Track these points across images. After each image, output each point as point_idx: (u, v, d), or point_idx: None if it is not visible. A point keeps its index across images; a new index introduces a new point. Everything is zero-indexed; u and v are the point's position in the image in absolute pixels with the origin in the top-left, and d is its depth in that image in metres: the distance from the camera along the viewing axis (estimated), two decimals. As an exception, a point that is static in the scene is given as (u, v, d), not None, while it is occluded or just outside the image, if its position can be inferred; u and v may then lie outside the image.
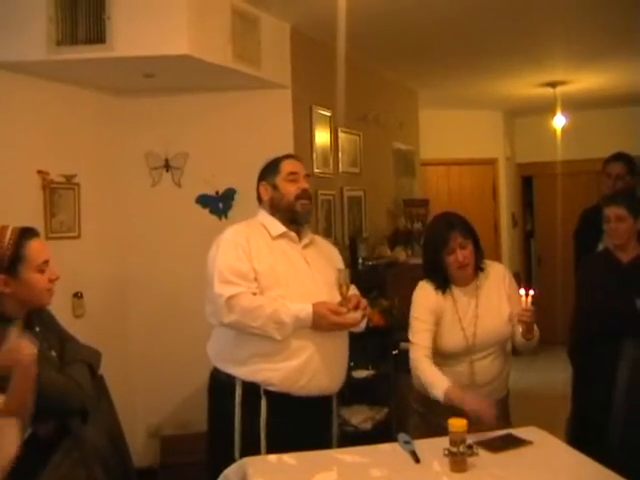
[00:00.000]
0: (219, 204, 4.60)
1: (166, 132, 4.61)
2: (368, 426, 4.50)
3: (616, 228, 3.58)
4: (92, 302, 4.31)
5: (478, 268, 3.09)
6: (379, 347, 4.68)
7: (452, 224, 3.05)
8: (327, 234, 5.05)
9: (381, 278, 4.99)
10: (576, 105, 7.48)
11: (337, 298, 2.90)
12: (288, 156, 3.15)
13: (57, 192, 4.10)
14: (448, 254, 3.00)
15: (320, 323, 2.83)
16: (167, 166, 4.62)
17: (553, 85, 6.79)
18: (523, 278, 9.11)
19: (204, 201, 4.64)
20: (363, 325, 3.01)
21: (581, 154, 8.01)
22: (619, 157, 4.45)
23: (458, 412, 2.74)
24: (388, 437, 2.91)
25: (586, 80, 6.71)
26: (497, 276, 3.15)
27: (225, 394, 2.91)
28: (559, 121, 7.48)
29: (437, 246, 3.04)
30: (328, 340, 2.90)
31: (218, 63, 3.93)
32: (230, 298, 2.78)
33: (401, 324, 3.70)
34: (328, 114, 5.12)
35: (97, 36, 3.57)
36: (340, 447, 2.92)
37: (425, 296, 3.08)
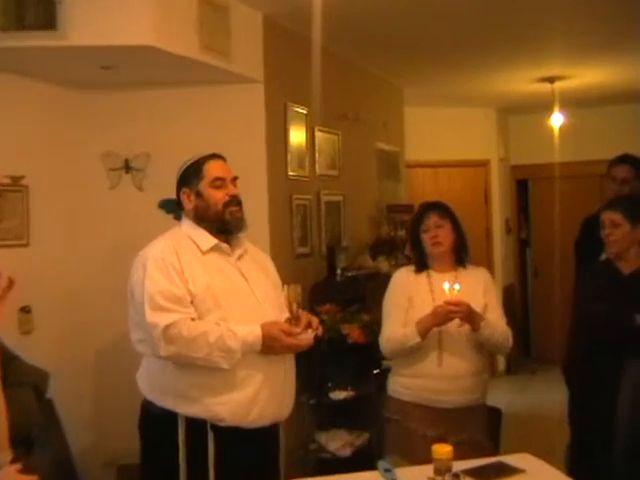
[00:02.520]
0: (184, 210, 4.54)
1: (126, 130, 4.58)
2: (347, 452, 4.49)
3: (610, 234, 3.57)
4: (42, 317, 4.25)
5: (459, 258, 3.57)
6: (359, 366, 4.66)
7: (431, 206, 3.62)
8: (303, 242, 5.03)
9: (362, 290, 4.97)
10: (576, 102, 7.49)
11: (282, 316, 2.85)
12: (211, 156, 3.00)
13: (3, 195, 4.05)
14: (424, 231, 3.53)
15: (272, 346, 2.74)
16: (127, 167, 4.59)
17: (551, 80, 6.79)
18: (518, 290, 9.13)
19: (168, 206, 4.50)
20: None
21: (581, 155, 8.04)
22: (625, 159, 4.44)
23: (432, 416, 3.33)
24: (369, 465, 2.87)
25: (586, 75, 6.73)
26: (479, 277, 3.58)
27: (165, 431, 2.79)
28: (557, 119, 7.47)
29: (415, 223, 3.61)
30: (276, 365, 2.84)
31: (183, 54, 3.90)
32: (167, 328, 2.65)
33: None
34: (304, 112, 5.09)
35: (47, 22, 3.50)
36: (314, 476, 2.89)
37: (402, 284, 3.57)
